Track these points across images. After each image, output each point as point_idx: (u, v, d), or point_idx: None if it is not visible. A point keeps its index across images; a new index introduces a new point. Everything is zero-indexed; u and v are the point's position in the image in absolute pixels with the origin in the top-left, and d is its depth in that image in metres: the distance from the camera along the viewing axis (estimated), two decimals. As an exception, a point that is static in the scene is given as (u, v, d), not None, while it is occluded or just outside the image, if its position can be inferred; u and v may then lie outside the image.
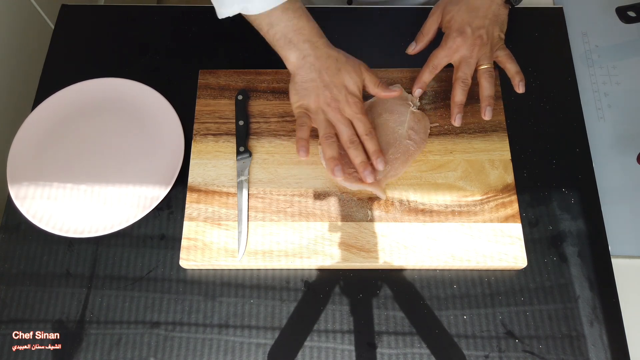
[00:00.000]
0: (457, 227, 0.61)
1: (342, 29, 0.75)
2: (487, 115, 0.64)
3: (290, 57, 0.61)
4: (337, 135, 0.61)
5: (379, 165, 0.60)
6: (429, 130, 0.67)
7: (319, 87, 0.61)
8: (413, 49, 0.70)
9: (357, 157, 0.60)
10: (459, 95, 0.64)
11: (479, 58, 0.65)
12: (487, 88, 0.64)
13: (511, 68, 0.66)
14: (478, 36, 0.64)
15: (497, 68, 0.69)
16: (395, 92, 0.63)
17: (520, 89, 0.66)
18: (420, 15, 0.72)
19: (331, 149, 0.60)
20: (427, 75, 0.66)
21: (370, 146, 0.61)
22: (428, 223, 0.62)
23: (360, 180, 0.61)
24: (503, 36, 0.67)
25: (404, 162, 0.64)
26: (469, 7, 0.65)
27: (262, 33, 0.62)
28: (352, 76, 0.62)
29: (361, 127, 0.61)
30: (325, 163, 0.62)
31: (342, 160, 0.62)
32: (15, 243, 0.63)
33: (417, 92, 0.66)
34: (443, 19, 0.68)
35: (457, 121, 0.64)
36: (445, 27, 0.67)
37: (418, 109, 0.67)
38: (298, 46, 0.61)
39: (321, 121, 0.61)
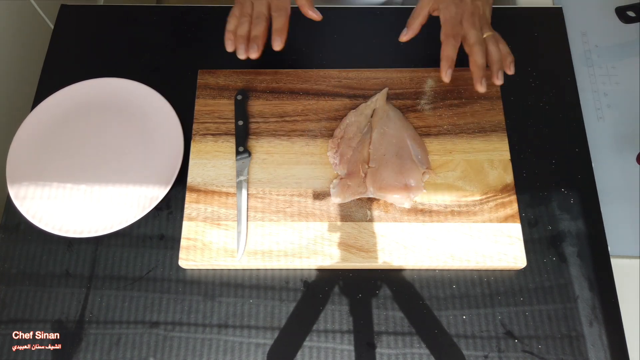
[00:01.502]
0: (456, 227, 0.61)
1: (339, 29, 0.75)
2: (499, 79, 0.60)
3: None
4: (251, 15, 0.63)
5: (276, 46, 0.61)
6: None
7: None
8: (405, 34, 0.64)
9: (254, 29, 0.62)
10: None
11: (472, 24, 0.60)
12: (495, 52, 0.60)
13: (503, 48, 0.61)
14: (471, 2, 0.60)
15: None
16: (318, 16, 0.63)
17: (510, 69, 0.61)
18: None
19: (230, 23, 0.63)
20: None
21: (275, 23, 0.62)
22: (427, 223, 0.62)
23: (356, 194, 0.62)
24: (489, 20, 0.63)
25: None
26: None
27: None
28: None
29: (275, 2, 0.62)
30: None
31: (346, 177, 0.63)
32: (15, 243, 0.63)
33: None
34: None
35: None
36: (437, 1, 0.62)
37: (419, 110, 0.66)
38: None
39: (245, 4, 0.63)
